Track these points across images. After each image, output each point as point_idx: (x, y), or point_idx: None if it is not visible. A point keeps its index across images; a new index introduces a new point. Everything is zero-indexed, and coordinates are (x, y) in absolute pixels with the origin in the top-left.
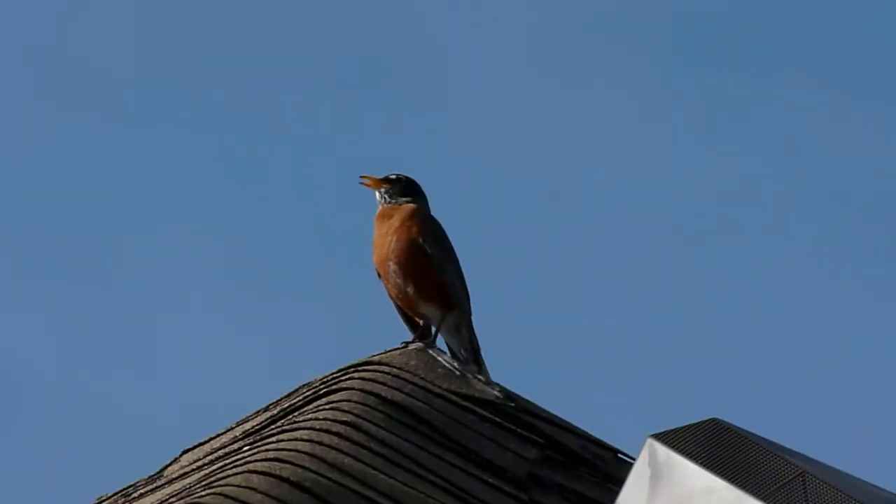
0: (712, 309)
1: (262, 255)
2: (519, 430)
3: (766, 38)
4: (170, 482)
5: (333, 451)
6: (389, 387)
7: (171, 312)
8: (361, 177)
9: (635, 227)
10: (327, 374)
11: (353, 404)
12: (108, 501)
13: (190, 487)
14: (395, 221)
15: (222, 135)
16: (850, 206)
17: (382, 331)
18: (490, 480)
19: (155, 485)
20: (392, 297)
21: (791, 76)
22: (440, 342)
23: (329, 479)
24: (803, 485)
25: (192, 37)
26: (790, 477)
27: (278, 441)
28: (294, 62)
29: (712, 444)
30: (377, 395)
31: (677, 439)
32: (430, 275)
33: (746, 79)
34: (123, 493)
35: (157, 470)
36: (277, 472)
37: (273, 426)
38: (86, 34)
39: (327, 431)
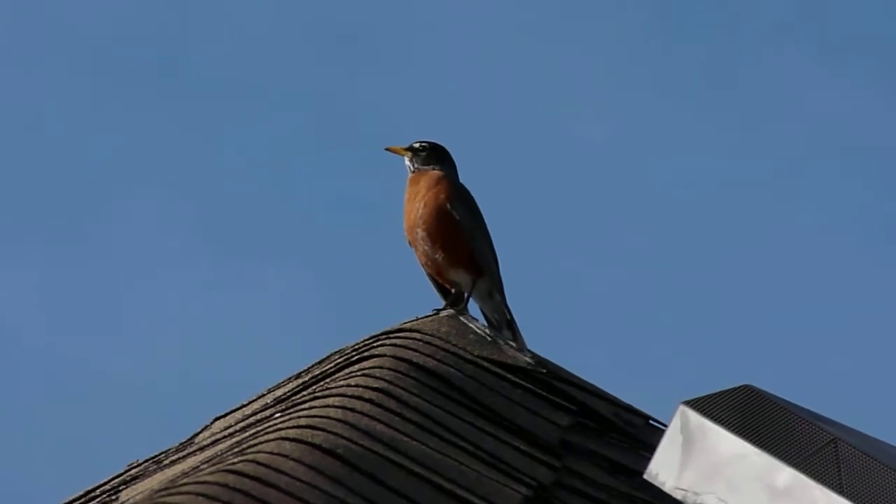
0: (738, 275)
1: (245, 218)
2: (551, 396)
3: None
4: (201, 449)
5: (365, 418)
6: (421, 353)
7: (151, 275)
8: (386, 149)
9: (628, 187)
10: (359, 340)
11: (384, 371)
12: (139, 468)
13: (222, 454)
14: (422, 188)
15: (202, 97)
16: (844, 166)
17: (368, 289)
18: (522, 447)
19: (186, 451)
20: (422, 265)
21: (781, 35)
22: (473, 309)
23: (361, 445)
24: (835, 451)
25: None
26: (822, 443)
27: (310, 408)
28: (273, 21)
29: (744, 411)
30: (409, 362)
31: (709, 405)
32: (458, 241)
33: (736, 38)
34: (155, 459)
35: (189, 437)
36: (309, 440)
37: (304, 393)
38: None
39: (359, 398)
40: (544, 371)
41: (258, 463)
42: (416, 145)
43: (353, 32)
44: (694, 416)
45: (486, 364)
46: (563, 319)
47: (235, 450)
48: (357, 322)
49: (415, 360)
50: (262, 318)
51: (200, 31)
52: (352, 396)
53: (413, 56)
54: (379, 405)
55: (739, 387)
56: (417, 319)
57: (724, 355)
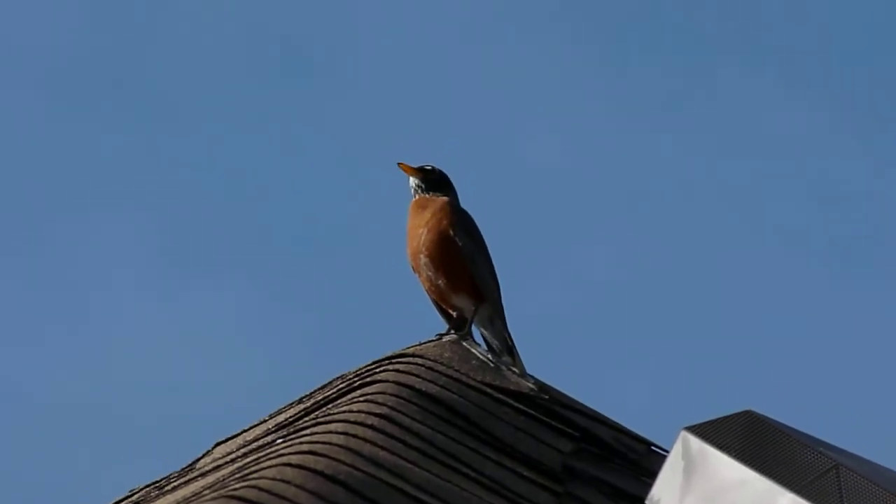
0: (731, 299)
1: (201, 239)
2: (553, 422)
3: (705, 21)
4: (202, 475)
5: (368, 444)
6: (424, 379)
7: (107, 293)
8: (399, 164)
9: (583, 207)
10: (361, 366)
11: (387, 396)
12: (140, 493)
13: (223, 480)
14: (427, 214)
15: (156, 115)
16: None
17: (324, 308)
18: (525, 473)
19: (188, 477)
20: (425, 290)
21: (729, 58)
22: (475, 334)
23: (364, 472)
24: (837, 477)
25: (126, 19)
26: (824, 469)
27: (312, 434)
28: (228, 45)
29: (746, 437)
30: (411, 388)
31: (711, 431)
32: (460, 267)
33: (691, 59)
34: (156, 485)
35: (190, 462)
36: (312, 466)
37: (307, 418)
38: (21, 16)
39: (362, 424)
40: (546, 397)
41: (260, 489)
42: (428, 167)
43: (301, 51)
44: (695, 442)
45: (488, 390)
46: (561, 345)
47: (237, 475)
48: (316, 339)
49: (417, 385)
50: (219, 337)
51: (153, 51)
52: (354, 422)
53: (364, 75)
54: (381, 431)
55: (741, 413)
56: (420, 344)
57: (725, 381)
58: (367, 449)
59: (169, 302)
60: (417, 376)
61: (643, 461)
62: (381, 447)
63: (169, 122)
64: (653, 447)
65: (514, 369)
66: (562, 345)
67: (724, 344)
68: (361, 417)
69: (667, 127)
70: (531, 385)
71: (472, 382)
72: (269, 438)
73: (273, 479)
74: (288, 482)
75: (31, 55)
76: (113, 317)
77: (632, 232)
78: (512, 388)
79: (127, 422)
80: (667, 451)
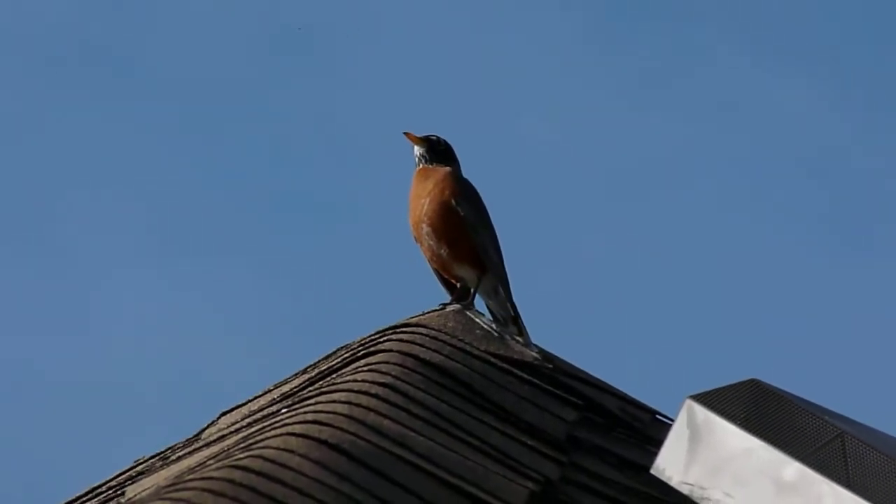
0: (738, 271)
1: (198, 218)
2: (558, 391)
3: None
4: (207, 445)
5: (372, 414)
6: (428, 348)
7: (105, 277)
8: (404, 133)
9: (569, 183)
10: (365, 336)
11: (391, 366)
12: (145, 464)
13: (228, 450)
14: (430, 184)
15: (152, 98)
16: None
17: (321, 289)
18: (529, 442)
19: (193, 447)
20: (427, 260)
21: (720, 33)
22: (479, 304)
23: (368, 441)
24: (842, 445)
25: (126, 3)
26: (829, 438)
27: (317, 403)
28: (226, 25)
29: (751, 405)
30: (415, 357)
31: (716, 400)
32: (462, 237)
33: (676, 35)
34: (161, 455)
35: (195, 432)
36: (316, 435)
37: (311, 388)
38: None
39: (366, 393)
40: (551, 366)
41: (264, 459)
42: (433, 137)
43: (308, 37)
44: (700, 411)
45: (492, 359)
46: (567, 315)
47: (241, 445)
48: (313, 322)
49: (421, 355)
50: (215, 318)
51: (152, 32)
52: (358, 392)
53: (362, 54)
54: (385, 400)
55: (746, 381)
56: (423, 314)
57: (730, 350)
58: (370, 418)
59: (172, 283)
60: (421, 346)
61: (648, 430)
62: (385, 416)
63: (164, 103)
64: (658, 416)
65: (518, 339)
66: (562, 320)
67: (727, 316)
68: (365, 387)
69: (660, 105)
70: (535, 354)
71: (476, 352)
72: (273, 408)
73: (277, 448)
74: (292, 452)
75: (28, 33)
76: (116, 301)
77: (630, 209)
78: (516, 357)
79: (133, 398)
80: (672, 421)
